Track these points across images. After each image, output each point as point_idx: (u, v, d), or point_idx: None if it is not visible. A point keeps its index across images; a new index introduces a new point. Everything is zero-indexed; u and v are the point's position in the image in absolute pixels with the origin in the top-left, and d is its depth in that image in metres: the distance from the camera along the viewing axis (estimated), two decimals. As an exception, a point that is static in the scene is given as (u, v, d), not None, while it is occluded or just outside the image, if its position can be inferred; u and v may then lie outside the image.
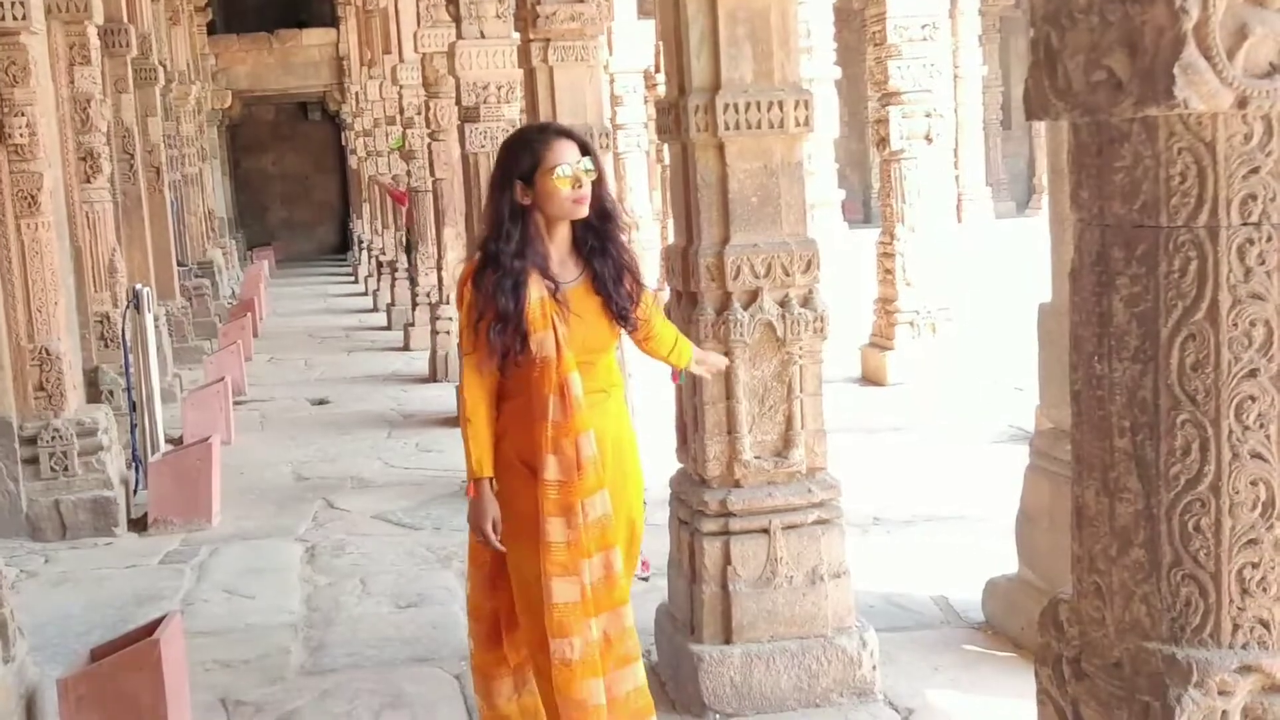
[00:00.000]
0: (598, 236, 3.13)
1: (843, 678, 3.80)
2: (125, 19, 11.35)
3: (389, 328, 14.49)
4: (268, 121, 29.79)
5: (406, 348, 12.77)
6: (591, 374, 3.11)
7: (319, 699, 4.15)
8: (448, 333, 10.27)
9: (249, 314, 13.76)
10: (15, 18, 5.95)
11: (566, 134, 3.10)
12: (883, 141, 9.42)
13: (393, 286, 15.01)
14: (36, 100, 6.10)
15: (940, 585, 4.80)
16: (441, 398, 9.51)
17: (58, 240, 6.37)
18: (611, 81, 12.15)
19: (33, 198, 6.03)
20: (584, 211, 3.06)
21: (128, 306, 7.23)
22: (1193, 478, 1.79)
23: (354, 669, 4.41)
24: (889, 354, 9.34)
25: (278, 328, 15.62)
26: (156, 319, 10.12)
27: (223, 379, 8.76)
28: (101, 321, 8.40)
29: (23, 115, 5.96)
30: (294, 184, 30.16)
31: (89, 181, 8.44)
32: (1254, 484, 1.77)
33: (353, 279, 22.01)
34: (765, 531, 3.81)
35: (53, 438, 6.11)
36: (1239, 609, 1.80)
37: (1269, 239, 1.75)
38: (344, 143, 25.85)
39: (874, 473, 6.48)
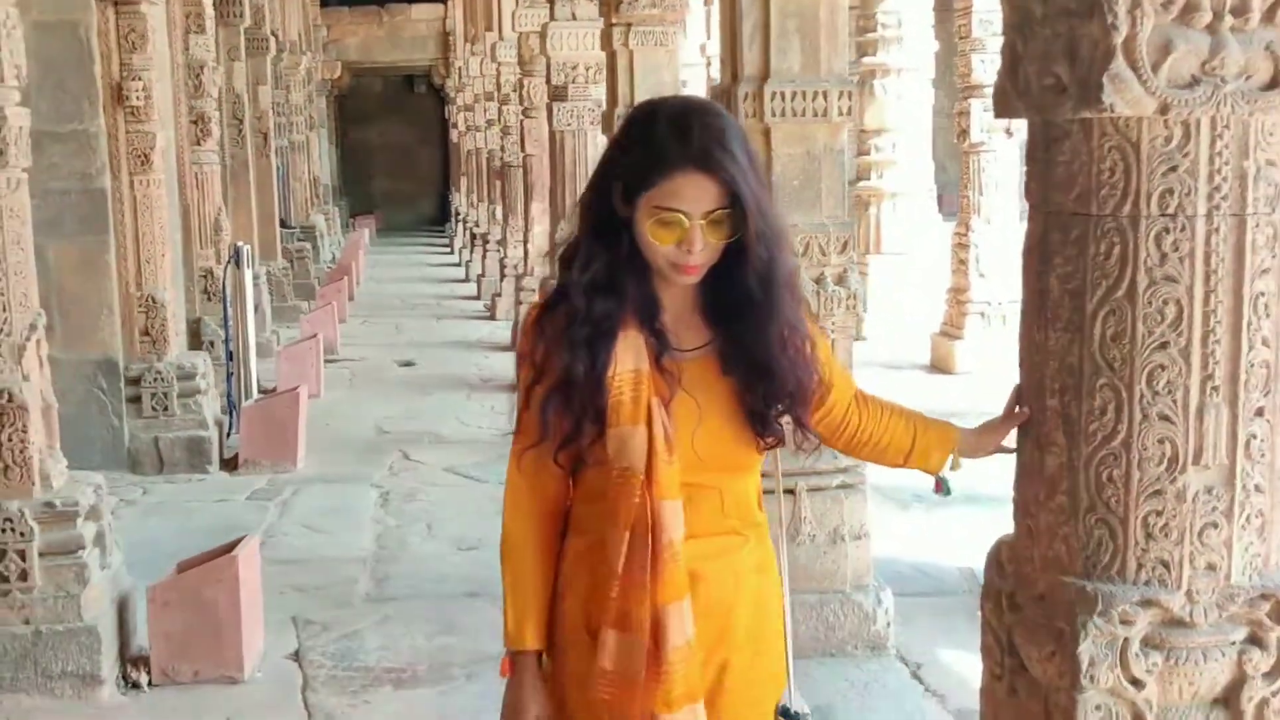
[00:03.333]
0: (745, 292, 1.92)
1: (858, 631, 4.09)
2: (240, -10, 11.93)
3: (478, 298, 14.97)
4: (375, 93, 30.54)
5: (492, 317, 13.23)
6: (708, 505, 1.94)
7: (379, 622, 4.56)
8: (530, 303, 10.67)
9: (346, 278, 14.34)
10: (136, -11, 6.44)
11: (704, 163, 1.81)
12: (963, 134, 9.57)
13: (484, 258, 15.49)
14: (153, 66, 6.60)
15: (969, 558, 5.03)
16: (521, 365, 9.92)
17: (167, 197, 6.87)
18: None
19: (145, 156, 6.53)
20: (689, 280, 1.89)
21: (229, 262, 7.72)
22: (1108, 434, 2.06)
23: (414, 599, 4.81)
24: (958, 343, 9.52)
25: (373, 293, 16.20)
26: (256, 277, 10.69)
27: (315, 336, 9.27)
28: (205, 276, 8.94)
29: (139, 80, 6.45)
30: (398, 155, 30.88)
31: (199, 144, 8.98)
32: (1160, 442, 2.03)
33: (449, 250, 22.59)
34: (791, 492, 4.10)
35: (155, 379, 6.63)
36: (1143, 550, 2.06)
37: (1183, 229, 2.00)
38: (447, 116, 26.45)
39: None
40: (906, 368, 9.38)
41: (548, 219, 10.46)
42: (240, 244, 7.79)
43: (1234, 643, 2.08)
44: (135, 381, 6.66)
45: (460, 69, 19.91)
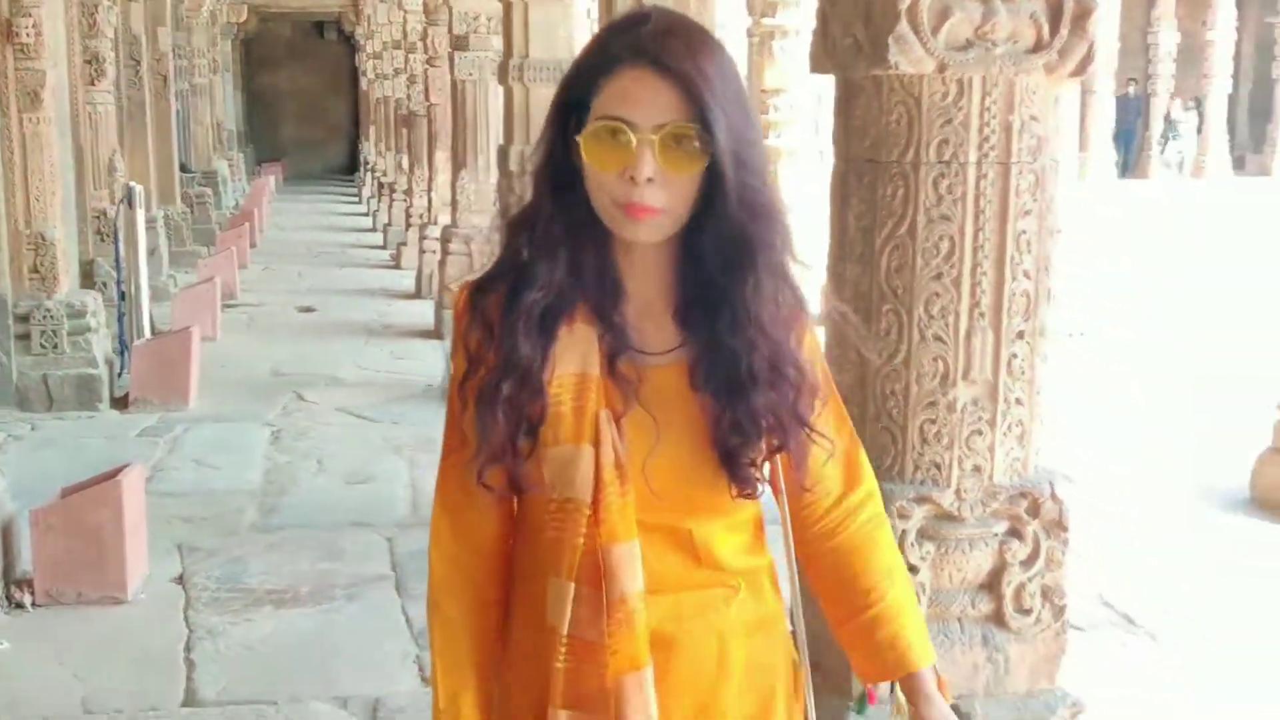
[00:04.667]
0: (731, 273, 1.41)
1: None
2: (139, -71, 11.78)
3: (384, 247, 15.01)
4: (284, 39, 30.06)
5: (397, 266, 13.30)
6: (676, 552, 1.46)
7: (264, 550, 4.74)
8: (433, 252, 10.79)
9: (247, 224, 14.29)
10: (27, -77, 6.43)
11: (658, 58, 1.34)
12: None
13: (390, 207, 15.52)
14: (44, 3, 6.59)
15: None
16: (423, 313, 10.07)
17: (59, 137, 6.89)
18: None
19: (35, 94, 6.54)
20: (642, 232, 1.38)
21: (120, 203, 7.76)
22: (892, 353, 2.33)
23: (300, 528, 5.00)
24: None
25: (278, 240, 16.13)
26: (153, 220, 10.69)
27: (212, 279, 9.31)
28: (99, 217, 8.92)
29: (29, 16, 6.46)
30: (307, 102, 30.47)
31: (93, 84, 8.93)
32: (935, 360, 2.31)
33: (357, 199, 22.47)
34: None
35: (44, 316, 6.68)
36: (919, 454, 2.34)
37: (956, 174, 2.28)
38: (357, 64, 26.19)
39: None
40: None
41: (450, 168, 10.59)
42: (133, 185, 7.82)
43: (996, 535, 2.39)
44: (24, 319, 6.70)
45: (369, 16, 19.76)
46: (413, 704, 3.52)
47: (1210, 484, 5.70)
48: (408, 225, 13.41)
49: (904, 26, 2.21)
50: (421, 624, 3.78)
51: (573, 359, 1.42)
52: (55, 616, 4.12)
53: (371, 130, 21.87)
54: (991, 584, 2.41)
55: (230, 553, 4.71)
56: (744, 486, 1.43)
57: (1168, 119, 20.89)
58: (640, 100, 1.33)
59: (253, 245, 14.41)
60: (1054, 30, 2.25)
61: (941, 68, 2.24)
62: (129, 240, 7.69)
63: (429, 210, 11.77)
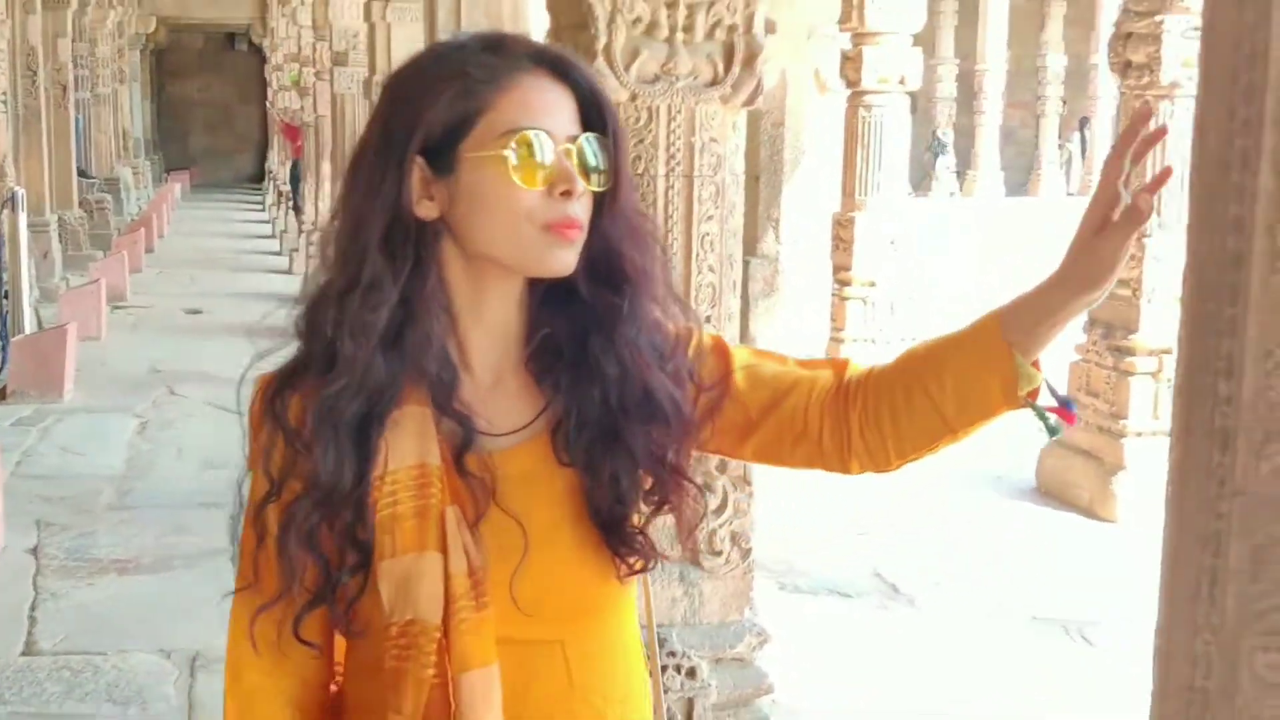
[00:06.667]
0: (599, 323, 1.22)
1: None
2: (39, -61, 12.04)
3: (280, 253, 15.30)
4: (195, 49, 30.16)
5: (290, 271, 13.61)
6: (546, 674, 1.21)
7: (115, 525, 5.13)
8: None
9: (144, 229, 14.50)
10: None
11: (557, 65, 1.20)
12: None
13: (286, 215, 15.83)
14: (-73, 12, 6.90)
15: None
16: (307, 317, 10.41)
17: (-59, 139, 7.18)
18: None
19: (-83, 99, 6.84)
20: (570, 258, 1.17)
21: (2, 206, 8.05)
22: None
23: (152, 508, 5.38)
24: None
25: (177, 246, 16.33)
26: (47, 225, 10.94)
27: (97, 280, 9.59)
28: (-15, 219, 9.17)
29: (-88, 26, 6.76)
30: (217, 112, 30.58)
31: (-18, 92, 9.20)
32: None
33: (261, 207, 22.66)
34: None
35: (-78, 312, 6.98)
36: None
37: (649, 185, 2.75)
38: (266, 76, 26.37)
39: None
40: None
41: (329, 180, 10.99)
42: (16, 189, 8.11)
43: (682, 486, 2.87)
44: (-98, 313, 6.99)
45: (274, 29, 20.05)
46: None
47: (1000, 474, 6.27)
48: (300, 232, 13.74)
49: (600, 62, 2.70)
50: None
51: (408, 447, 1.15)
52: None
53: (275, 140, 22.09)
54: (681, 525, 2.89)
55: (83, 528, 5.08)
56: (636, 558, 1.21)
57: (934, 137, 21.26)
58: (549, 108, 1.16)
59: (149, 250, 14.62)
60: (728, 68, 2.75)
61: (634, 97, 2.73)
62: (11, 242, 7.98)
63: (317, 218, 12.13)
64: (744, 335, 5.91)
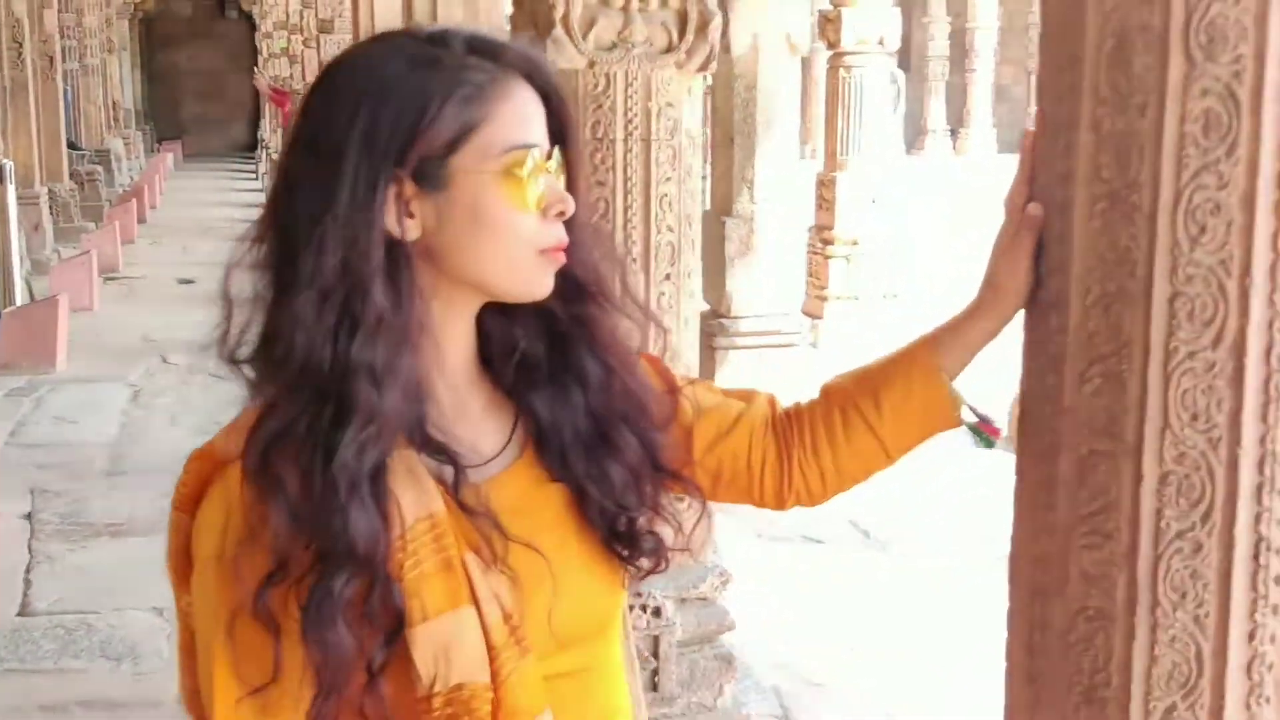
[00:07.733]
0: (577, 332, 1.16)
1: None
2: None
3: (273, 223, 15.36)
4: (184, 18, 30.04)
5: (283, 241, 13.69)
6: (573, 703, 1.12)
7: (108, 490, 5.25)
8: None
9: (136, 200, 14.55)
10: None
11: (534, 66, 1.10)
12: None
13: (278, 184, 15.89)
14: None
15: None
16: (298, 284, 10.51)
17: (-72, 113, 7.25)
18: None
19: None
20: (552, 281, 1.10)
21: (-9, 178, 8.15)
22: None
23: (144, 473, 5.48)
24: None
25: (170, 216, 16.37)
26: (38, 197, 11.01)
27: (89, 251, 9.68)
28: (-25, 193, 9.24)
29: (-104, 1, 6.81)
30: (209, 81, 30.47)
31: (-32, 63, 9.24)
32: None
33: (255, 176, 22.67)
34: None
35: (-86, 285, 7.08)
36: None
37: (608, 149, 2.85)
38: (257, 43, 26.31)
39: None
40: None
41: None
42: (4, 161, 8.19)
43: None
44: (-103, 287, 7.09)
45: (263, -4, 20.02)
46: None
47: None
48: (293, 202, 13.81)
49: (559, 31, 2.79)
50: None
51: (413, 499, 1.03)
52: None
53: (267, 108, 22.08)
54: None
55: (77, 494, 5.20)
56: (647, 559, 1.16)
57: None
58: (533, 121, 1.06)
59: (142, 221, 14.68)
60: (681, 35, 2.85)
61: (591, 64, 2.82)
62: (0, 214, 8.07)
63: (310, 187, 12.20)
64: (721, 294, 6.01)
